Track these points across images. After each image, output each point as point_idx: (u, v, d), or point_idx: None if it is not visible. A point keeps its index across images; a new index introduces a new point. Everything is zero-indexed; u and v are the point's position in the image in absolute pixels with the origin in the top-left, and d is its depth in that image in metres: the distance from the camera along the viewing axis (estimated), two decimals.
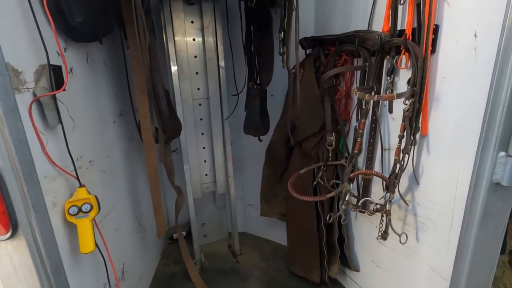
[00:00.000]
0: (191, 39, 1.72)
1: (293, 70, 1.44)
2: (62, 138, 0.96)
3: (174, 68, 1.65)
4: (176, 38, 1.66)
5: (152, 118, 1.43)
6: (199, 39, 1.72)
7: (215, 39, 1.70)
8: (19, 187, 0.72)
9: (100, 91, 1.31)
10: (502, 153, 0.80)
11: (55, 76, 0.94)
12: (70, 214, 0.95)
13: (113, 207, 1.34)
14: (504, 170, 0.79)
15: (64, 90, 0.91)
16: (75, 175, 1.00)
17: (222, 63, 1.73)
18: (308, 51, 1.59)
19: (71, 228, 0.98)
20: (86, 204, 0.97)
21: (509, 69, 0.76)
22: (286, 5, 1.25)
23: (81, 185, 1.01)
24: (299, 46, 1.44)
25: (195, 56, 1.75)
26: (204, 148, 1.93)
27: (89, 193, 1.02)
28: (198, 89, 1.81)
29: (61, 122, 0.95)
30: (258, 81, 1.58)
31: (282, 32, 1.26)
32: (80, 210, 0.96)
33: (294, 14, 1.17)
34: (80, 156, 1.10)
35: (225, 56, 1.71)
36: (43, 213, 0.80)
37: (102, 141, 1.30)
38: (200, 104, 1.84)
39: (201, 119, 1.87)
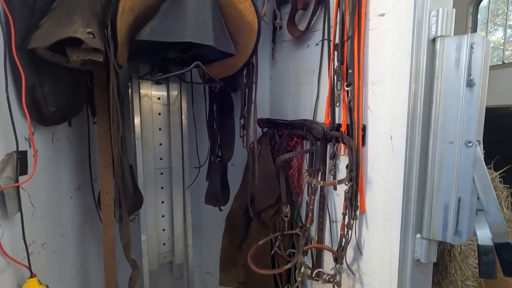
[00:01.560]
0: (157, 113, 1.84)
1: (251, 146, 1.62)
2: (19, 226, 0.94)
3: (138, 140, 1.72)
4: (142, 112, 1.76)
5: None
6: (165, 114, 1.85)
7: (180, 114, 1.84)
8: None
9: (61, 168, 1.32)
10: (418, 235, 1.00)
11: (21, 164, 0.96)
12: None
13: None
14: (421, 249, 0.98)
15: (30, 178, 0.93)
16: (27, 264, 0.96)
17: (186, 136, 1.85)
18: (264, 129, 1.80)
19: None
20: None
21: (414, 170, 1.01)
22: (246, 95, 1.46)
23: (32, 275, 0.96)
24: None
25: (160, 129, 1.85)
26: (163, 216, 1.93)
27: (40, 284, 0.97)
28: (161, 159, 1.88)
29: (20, 210, 0.94)
30: (219, 155, 1.72)
31: (243, 119, 1.45)
32: None
33: (253, 106, 1.38)
34: (34, 240, 1.06)
35: (189, 130, 1.84)
36: None
37: (58, 220, 1.26)
38: (162, 173, 1.89)
39: (162, 188, 1.90)
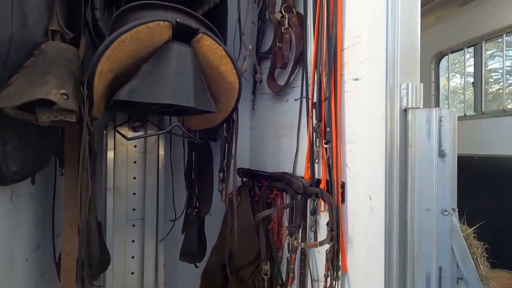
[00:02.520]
0: (132, 161, 1.76)
1: (230, 196, 1.57)
2: None
3: (110, 191, 1.62)
4: (116, 161, 1.68)
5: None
6: (141, 162, 1.78)
7: (157, 163, 1.78)
8: None
9: (19, 227, 1.19)
10: None
11: None
12: None
13: None
14: None
15: None
16: None
17: (162, 185, 1.77)
18: (244, 179, 1.77)
19: None
20: None
21: (394, 234, 1.00)
22: (225, 148, 1.45)
23: None
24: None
25: (134, 178, 1.77)
26: (132, 273, 1.77)
27: None
28: (134, 209, 1.77)
29: None
30: (197, 207, 1.64)
31: (222, 173, 1.42)
32: None
33: (232, 161, 1.36)
34: None
35: (165, 179, 1.77)
36: None
37: None
38: (134, 225, 1.76)
39: (133, 241, 1.76)
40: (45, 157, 1.19)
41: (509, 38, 2.20)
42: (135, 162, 1.77)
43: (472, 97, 2.52)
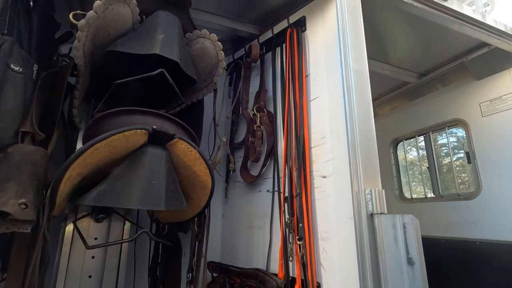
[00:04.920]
0: (90, 256, 1.59)
1: None
2: None
3: None
4: (71, 256, 1.51)
5: None
6: (100, 257, 1.61)
7: (118, 257, 1.62)
8: None
9: None
10: None
11: None
12: None
13: None
14: None
15: None
16: None
17: (121, 285, 1.58)
18: (214, 274, 1.64)
19: None
20: None
21: None
22: (196, 246, 1.37)
23: None
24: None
25: (90, 276, 1.57)
26: None
27: None
28: None
29: None
30: None
31: (190, 273, 1.31)
32: None
33: (202, 260, 1.27)
34: None
35: (126, 277, 1.59)
36: None
37: None
38: None
39: None
40: None
41: (451, 131, 2.54)
42: (93, 257, 1.60)
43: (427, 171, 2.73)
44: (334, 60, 1.33)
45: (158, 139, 1.06)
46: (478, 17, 1.66)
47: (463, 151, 2.48)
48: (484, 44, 2.02)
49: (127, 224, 1.69)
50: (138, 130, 0.98)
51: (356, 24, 1.26)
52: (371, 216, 1.02)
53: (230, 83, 1.98)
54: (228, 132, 1.87)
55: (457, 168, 2.64)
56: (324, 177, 1.30)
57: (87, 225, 1.59)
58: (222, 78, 1.93)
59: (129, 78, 1.10)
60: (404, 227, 0.95)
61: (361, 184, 1.06)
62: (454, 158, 2.63)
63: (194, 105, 1.55)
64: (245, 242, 1.65)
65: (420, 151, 2.91)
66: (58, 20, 1.49)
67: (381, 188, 1.05)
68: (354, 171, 1.09)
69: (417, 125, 2.80)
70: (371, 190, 1.03)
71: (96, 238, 1.63)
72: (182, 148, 1.09)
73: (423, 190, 2.75)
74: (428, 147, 2.72)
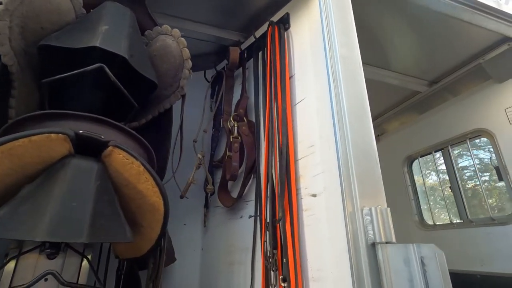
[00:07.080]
0: None
1: None
2: None
3: None
4: None
5: None
6: None
7: None
8: None
9: None
10: None
11: None
12: None
13: None
14: None
15: None
16: None
17: None
18: None
19: None
20: None
21: None
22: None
23: None
24: None
25: None
26: None
27: None
28: None
29: None
30: None
31: None
32: None
33: None
34: None
35: None
36: None
37: None
38: None
39: None
40: None
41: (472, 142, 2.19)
42: None
43: (451, 194, 2.34)
44: (322, 54, 1.10)
45: (87, 148, 0.83)
46: (492, 3, 1.42)
47: (489, 167, 2.12)
48: (503, 40, 1.75)
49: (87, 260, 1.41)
50: (53, 135, 0.75)
51: (343, 6, 1.04)
52: (372, 246, 0.71)
53: (213, 95, 1.77)
54: (208, 149, 1.62)
55: (485, 186, 2.25)
56: (314, 195, 1.01)
57: (33, 264, 1.32)
58: (203, 90, 1.74)
59: (58, 76, 0.89)
60: (423, 263, 0.63)
61: (356, 201, 0.77)
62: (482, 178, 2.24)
63: (161, 116, 1.33)
64: (226, 282, 1.32)
65: (440, 167, 2.55)
66: None
67: (385, 205, 0.75)
68: (347, 184, 0.80)
69: (432, 139, 2.47)
70: (370, 209, 0.73)
71: (46, 280, 1.36)
72: (120, 159, 0.85)
73: (447, 215, 2.34)
74: (448, 163, 2.36)
